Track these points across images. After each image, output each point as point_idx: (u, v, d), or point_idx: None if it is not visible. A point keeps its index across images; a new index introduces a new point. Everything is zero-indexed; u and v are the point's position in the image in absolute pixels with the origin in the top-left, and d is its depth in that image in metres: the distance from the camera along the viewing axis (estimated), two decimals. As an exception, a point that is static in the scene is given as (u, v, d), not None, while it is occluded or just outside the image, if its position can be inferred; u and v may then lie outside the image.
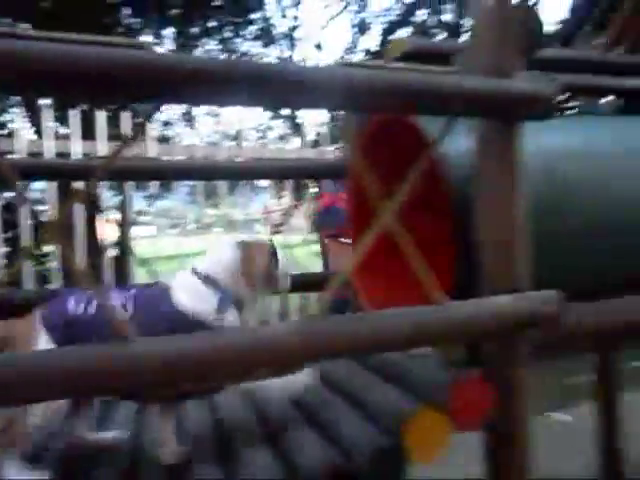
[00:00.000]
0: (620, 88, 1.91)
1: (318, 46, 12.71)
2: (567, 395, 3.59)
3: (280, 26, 11.66)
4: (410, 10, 10.13)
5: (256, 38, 11.01)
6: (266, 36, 11.40)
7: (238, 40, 10.45)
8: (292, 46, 12.18)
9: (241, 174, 1.89)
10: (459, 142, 1.36)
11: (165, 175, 1.93)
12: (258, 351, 0.99)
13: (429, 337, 1.15)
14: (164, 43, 9.53)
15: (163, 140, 7.30)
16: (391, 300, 1.57)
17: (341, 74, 0.89)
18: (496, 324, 1.20)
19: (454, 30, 9.19)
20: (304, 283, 2.06)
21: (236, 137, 5.22)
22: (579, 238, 1.55)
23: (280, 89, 0.80)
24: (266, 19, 11.06)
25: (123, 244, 4.44)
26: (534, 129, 1.31)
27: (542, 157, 1.51)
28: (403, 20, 10.36)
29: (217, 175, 2.05)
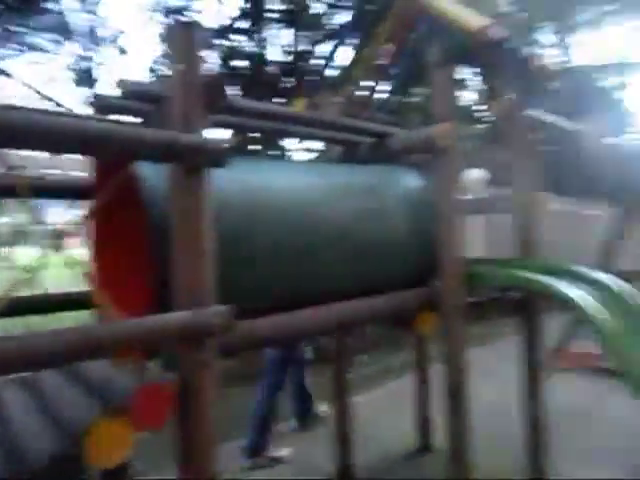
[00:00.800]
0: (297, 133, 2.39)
1: (122, 50, 12.18)
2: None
3: (78, 22, 10.87)
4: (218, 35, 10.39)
5: (48, 31, 10.07)
6: (61, 30, 10.51)
7: (25, 30, 9.41)
8: (94, 45, 11.43)
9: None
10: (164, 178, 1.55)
11: None
12: None
13: (105, 348, 1.30)
14: None
15: None
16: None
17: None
18: (176, 334, 1.41)
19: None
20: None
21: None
22: (268, 258, 1.85)
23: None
24: (60, 12, 10.20)
25: None
26: (236, 169, 1.58)
27: (240, 192, 1.79)
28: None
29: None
